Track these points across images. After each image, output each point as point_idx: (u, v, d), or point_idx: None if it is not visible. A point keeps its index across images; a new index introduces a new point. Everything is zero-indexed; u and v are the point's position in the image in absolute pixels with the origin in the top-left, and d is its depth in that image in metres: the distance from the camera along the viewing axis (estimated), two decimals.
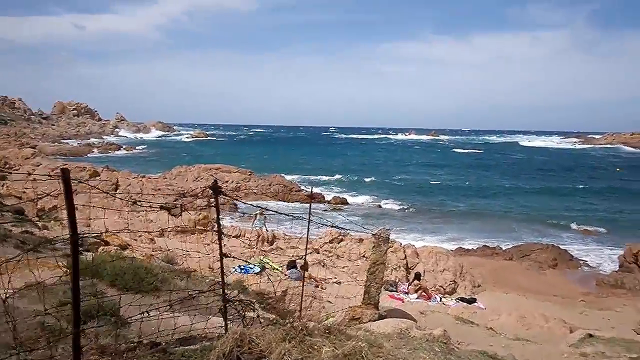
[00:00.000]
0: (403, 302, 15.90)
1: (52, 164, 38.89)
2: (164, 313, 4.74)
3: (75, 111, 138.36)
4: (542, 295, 18.97)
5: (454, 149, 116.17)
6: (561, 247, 25.81)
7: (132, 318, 5.63)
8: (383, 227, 6.49)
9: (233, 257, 5.16)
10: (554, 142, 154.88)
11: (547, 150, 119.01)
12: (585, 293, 19.59)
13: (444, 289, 18.20)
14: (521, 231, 31.42)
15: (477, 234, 30.34)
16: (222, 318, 4.72)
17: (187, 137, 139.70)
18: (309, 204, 7.10)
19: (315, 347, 3.94)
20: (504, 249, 26.04)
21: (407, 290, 16.81)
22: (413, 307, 15.09)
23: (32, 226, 17.60)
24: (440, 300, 16.48)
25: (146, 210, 3.88)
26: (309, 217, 6.72)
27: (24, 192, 23.62)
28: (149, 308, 5.30)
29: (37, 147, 64.53)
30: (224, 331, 4.18)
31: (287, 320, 4.59)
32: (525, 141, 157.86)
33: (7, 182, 29.16)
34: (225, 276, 8.21)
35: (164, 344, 4.19)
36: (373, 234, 6.26)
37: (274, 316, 8.07)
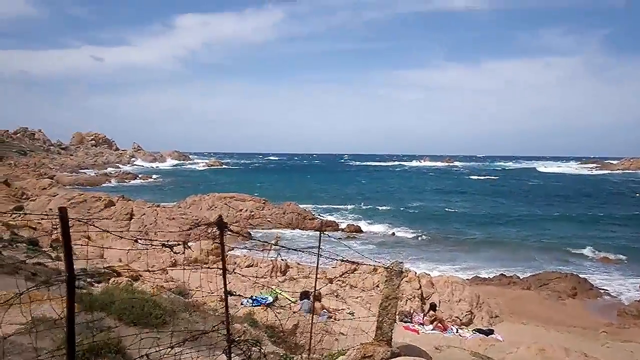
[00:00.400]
0: (418, 333, 15.53)
1: (69, 194, 39.20)
2: (168, 350, 4.60)
3: (93, 141, 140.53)
4: (562, 326, 18.44)
5: (469, 176, 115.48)
6: (580, 275, 25.20)
7: (136, 357, 5.51)
8: (396, 260, 6.28)
9: (238, 294, 5.01)
10: (571, 167, 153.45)
11: (565, 176, 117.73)
12: (607, 324, 18.98)
13: (461, 320, 17.80)
14: (539, 259, 30.80)
15: (493, 262, 29.81)
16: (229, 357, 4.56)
17: (202, 166, 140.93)
18: (320, 234, 6.92)
19: None
20: (521, 277, 25.47)
21: (422, 322, 16.45)
22: (428, 339, 14.73)
23: (45, 257, 17.66)
24: (457, 332, 16.08)
25: (155, 247, 3.77)
26: (318, 250, 6.54)
27: (40, 223, 23.72)
28: (153, 345, 5.16)
29: (55, 177, 65.28)
30: None
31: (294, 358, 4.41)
32: (542, 167, 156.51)
33: (24, 212, 29.38)
34: (235, 310, 8.00)
35: None
36: (385, 268, 6.07)
37: (283, 352, 7.86)
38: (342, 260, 6.44)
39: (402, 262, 6.28)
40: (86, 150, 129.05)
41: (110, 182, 76.33)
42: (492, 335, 15.66)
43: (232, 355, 4.25)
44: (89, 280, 13.96)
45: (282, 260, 20.97)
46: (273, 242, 20.69)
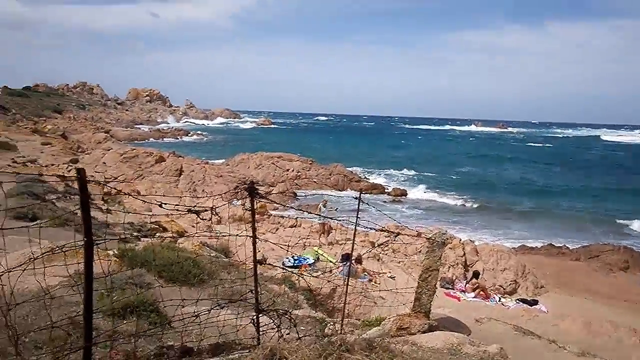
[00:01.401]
0: (459, 300, 15.33)
1: (122, 148, 40.28)
2: (203, 310, 4.59)
3: (147, 97, 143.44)
4: (611, 299, 17.78)
5: (522, 142, 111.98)
6: (635, 249, 24.18)
7: (171, 315, 5.56)
8: (439, 230, 6.05)
9: (269, 264, 4.91)
10: (636, 137, 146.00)
11: (629, 146, 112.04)
12: None
13: (504, 289, 17.43)
14: (591, 231, 29.70)
15: (542, 231, 28.95)
16: (267, 317, 4.50)
17: (252, 125, 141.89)
18: (359, 198, 6.73)
19: None
20: (571, 248, 24.66)
21: (464, 289, 16.20)
22: (470, 307, 14.51)
23: (96, 210, 18.20)
24: (499, 301, 15.77)
25: (180, 212, 3.67)
26: (357, 214, 6.37)
27: (92, 177, 24.47)
28: (188, 304, 5.17)
29: (110, 132, 67.18)
30: (256, 342, 3.95)
31: (327, 325, 4.30)
32: (605, 135, 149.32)
33: (78, 166, 30.37)
34: (275, 271, 7.96)
35: (195, 349, 4.01)
36: (427, 238, 5.85)
37: (320, 315, 7.83)
38: (381, 230, 6.23)
39: (445, 233, 6.04)
40: (141, 106, 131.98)
41: (162, 138, 77.93)
42: (536, 306, 15.28)
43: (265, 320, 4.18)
44: (135, 234, 14.34)
45: (328, 223, 20.60)
46: (321, 204, 20.55)
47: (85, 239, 2.87)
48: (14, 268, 2.76)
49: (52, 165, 30.57)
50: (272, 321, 4.08)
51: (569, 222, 31.71)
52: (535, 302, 15.41)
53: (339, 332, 5.14)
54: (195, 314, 3.87)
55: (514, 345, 6.08)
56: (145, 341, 4.36)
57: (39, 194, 17.54)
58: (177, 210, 3.66)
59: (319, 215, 17.75)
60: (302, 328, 6.39)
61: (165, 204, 3.52)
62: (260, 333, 4.13)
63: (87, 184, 2.79)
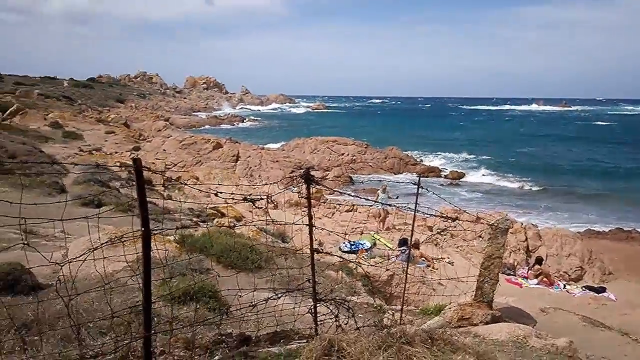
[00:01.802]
0: (521, 287, 14.85)
1: (181, 135, 41.31)
2: (261, 296, 4.58)
3: (204, 85, 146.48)
4: None
5: (587, 121, 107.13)
6: None
7: (230, 302, 5.60)
8: (502, 216, 5.79)
9: (327, 252, 4.84)
10: None
11: None
12: None
13: (569, 276, 16.74)
14: None
15: (609, 215, 27.60)
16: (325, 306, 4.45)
17: (307, 109, 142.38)
18: (418, 183, 6.52)
19: (415, 359, 3.50)
20: None
21: (526, 275, 15.68)
22: (532, 294, 14.01)
23: (157, 196, 18.72)
24: (564, 288, 15.16)
25: (236, 200, 3.63)
26: (416, 200, 6.16)
27: (153, 164, 25.19)
28: (245, 291, 5.18)
29: (169, 120, 69.05)
30: (314, 332, 3.89)
31: (385, 314, 4.19)
32: None
33: (139, 153, 31.35)
34: (330, 255, 7.89)
35: (253, 337, 4.00)
36: (490, 225, 5.61)
37: (378, 302, 7.73)
38: (440, 216, 6.01)
39: (508, 219, 5.78)
40: (198, 94, 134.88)
41: (219, 124, 79.38)
42: (604, 294, 14.57)
43: (318, 316, 4.12)
44: (195, 220, 14.65)
45: (386, 209, 20.09)
46: (380, 189, 20.15)
47: (143, 229, 2.86)
48: (74, 259, 2.79)
49: (116, 153, 31.68)
50: (330, 310, 4.00)
51: (639, 205, 30.09)
52: (602, 290, 14.70)
53: (398, 321, 5.01)
54: (253, 303, 3.84)
55: (584, 337, 5.78)
56: (204, 328, 4.39)
57: (104, 181, 18.23)
58: (233, 198, 3.62)
59: (378, 202, 17.51)
60: (360, 316, 6.31)
61: (221, 192, 3.49)
62: (318, 322, 4.07)
63: (142, 173, 2.77)
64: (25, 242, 2.56)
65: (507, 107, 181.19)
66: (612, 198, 31.94)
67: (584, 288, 14.94)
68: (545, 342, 4.53)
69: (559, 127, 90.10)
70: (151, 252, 2.95)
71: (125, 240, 2.96)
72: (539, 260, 15.60)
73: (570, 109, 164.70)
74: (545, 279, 15.01)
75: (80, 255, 2.78)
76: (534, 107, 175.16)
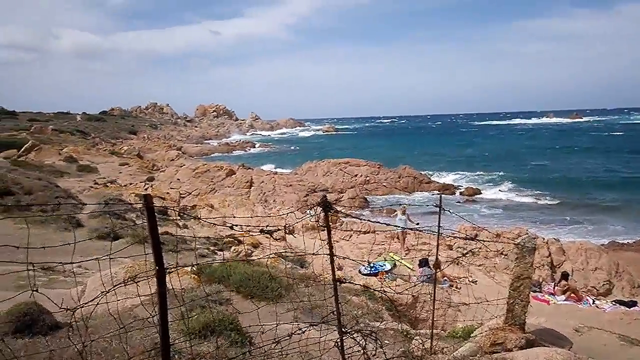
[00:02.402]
0: (549, 304, 14.45)
1: (194, 164, 41.44)
2: (283, 328, 4.39)
3: (214, 113, 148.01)
4: None
5: (600, 132, 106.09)
6: None
7: (251, 332, 5.41)
8: (528, 234, 5.58)
9: (350, 282, 4.65)
10: None
11: None
12: None
13: (597, 290, 16.30)
14: None
15: (632, 225, 27.06)
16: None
17: (317, 132, 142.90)
18: (440, 201, 6.33)
19: None
20: None
21: (553, 292, 15.27)
22: (560, 311, 13.61)
23: (173, 225, 18.64)
24: (594, 303, 14.73)
25: (251, 233, 3.48)
26: (439, 217, 5.96)
27: (168, 193, 25.20)
28: (266, 322, 4.99)
29: (182, 149, 69.57)
30: None
31: (412, 340, 3.98)
32: None
33: (154, 183, 31.43)
34: (351, 281, 7.68)
35: None
36: (516, 244, 5.39)
37: (404, 327, 7.48)
38: (463, 238, 5.81)
39: (534, 237, 5.56)
40: (209, 122, 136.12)
41: (231, 151, 79.79)
42: (635, 308, 14.11)
43: (345, 348, 3.92)
44: (212, 248, 14.51)
45: (410, 230, 19.29)
46: (399, 211, 19.61)
47: (157, 268, 2.70)
48: (85, 304, 2.65)
49: (130, 184, 31.81)
50: (357, 342, 3.80)
51: None
52: (634, 304, 14.26)
53: (427, 349, 4.78)
54: (277, 339, 3.66)
55: (624, 358, 5.50)
56: None
57: (120, 213, 18.19)
58: (249, 231, 3.47)
59: (397, 225, 17.18)
60: (387, 342, 6.08)
61: (236, 225, 3.34)
62: (346, 355, 3.87)
63: (154, 210, 2.63)
64: (35, 289, 2.41)
65: (517, 120, 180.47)
66: (633, 209, 31.32)
67: (614, 302, 14.50)
68: None
69: (572, 139, 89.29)
70: (166, 291, 2.78)
71: (139, 281, 2.80)
72: (565, 276, 15.19)
73: (581, 120, 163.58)
74: (573, 295, 14.60)
75: (93, 299, 2.63)
76: (544, 119, 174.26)
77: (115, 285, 2.73)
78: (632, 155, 60.05)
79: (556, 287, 15.10)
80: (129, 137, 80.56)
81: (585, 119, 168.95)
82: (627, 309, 13.81)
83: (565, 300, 14.59)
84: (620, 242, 23.40)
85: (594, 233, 25.92)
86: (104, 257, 2.79)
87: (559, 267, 16.87)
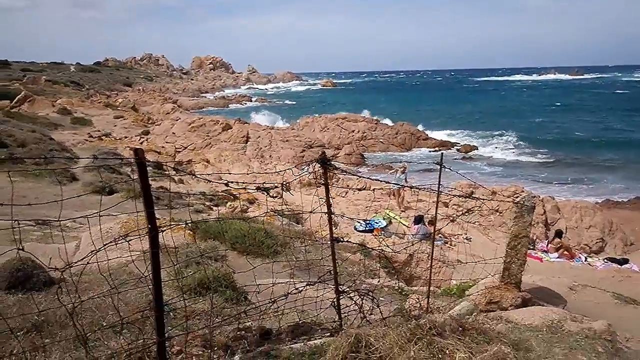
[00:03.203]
0: (542, 261, 14.59)
1: (190, 117, 41.05)
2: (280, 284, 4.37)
3: (211, 65, 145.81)
4: None
5: (601, 89, 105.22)
6: None
7: (247, 290, 5.40)
8: (528, 193, 5.52)
9: (347, 241, 4.59)
10: None
11: None
12: None
13: (590, 248, 16.47)
14: None
15: (629, 184, 27.17)
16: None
17: (315, 86, 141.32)
18: (438, 152, 6.24)
19: (447, 351, 3.28)
20: None
21: (546, 249, 15.40)
22: (553, 268, 13.75)
23: (168, 180, 18.55)
24: (586, 260, 14.88)
25: (247, 190, 3.39)
26: (440, 172, 5.86)
27: (163, 147, 25.02)
28: (261, 277, 4.98)
29: (177, 102, 68.80)
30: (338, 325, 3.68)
31: (412, 314, 3.97)
32: None
33: (149, 137, 31.19)
34: (348, 240, 7.67)
35: (274, 331, 3.79)
36: (514, 202, 5.33)
37: (400, 285, 7.51)
38: (460, 196, 5.76)
39: (534, 196, 5.51)
40: (205, 75, 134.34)
41: (227, 105, 79.04)
42: (627, 266, 14.27)
43: (342, 308, 3.90)
44: (207, 204, 14.49)
45: (404, 189, 19.21)
46: (399, 170, 19.52)
47: (149, 227, 2.62)
48: (75, 263, 2.58)
49: (125, 137, 31.55)
50: (353, 302, 3.78)
51: None
52: (625, 261, 14.40)
53: (423, 307, 4.78)
54: (273, 298, 3.62)
55: (618, 316, 5.54)
56: (223, 322, 4.18)
57: (115, 167, 18.08)
58: (245, 188, 3.38)
59: (396, 183, 17.09)
60: (382, 299, 6.10)
61: (232, 182, 3.24)
62: (342, 315, 3.85)
63: (146, 166, 2.52)
64: (20, 248, 2.33)
65: (518, 77, 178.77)
66: (630, 168, 31.35)
67: (606, 260, 14.64)
68: (581, 326, 4.28)
69: (572, 96, 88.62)
70: (159, 251, 2.71)
71: (130, 239, 2.73)
72: (559, 234, 15.29)
73: (582, 77, 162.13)
74: (565, 253, 14.73)
75: (83, 258, 2.56)
76: (545, 76, 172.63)
77: (106, 244, 2.65)
78: (633, 114, 59.73)
79: (550, 245, 15.22)
80: (123, 89, 79.49)
81: (586, 76, 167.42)
82: (619, 266, 13.97)
83: (558, 257, 14.72)
84: (615, 200, 23.51)
85: (590, 191, 26.05)
86: (92, 215, 2.71)
87: (553, 225, 16.97)
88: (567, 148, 38.56)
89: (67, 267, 2.40)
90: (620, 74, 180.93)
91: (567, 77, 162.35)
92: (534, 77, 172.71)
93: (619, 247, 16.49)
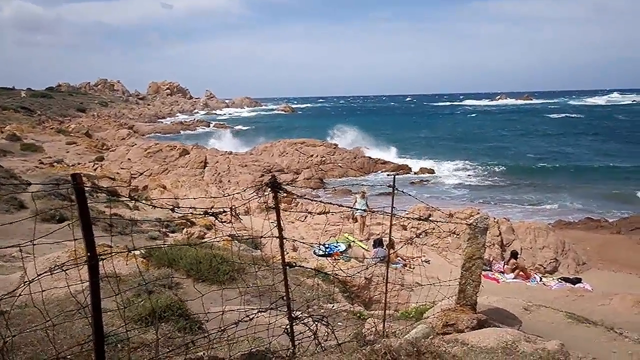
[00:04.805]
0: (498, 282, 14.83)
1: (145, 144, 40.35)
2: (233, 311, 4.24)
3: (168, 90, 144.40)
4: None
5: (548, 114, 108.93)
6: None
7: (201, 318, 5.23)
8: (475, 212, 5.57)
9: (300, 265, 4.52)
10: None
11: None
12: None
13: (544, 268, 16.83)
14: (630, 202, 28.66)
15: (579, 205, 28.09)
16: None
17: (274, 112, 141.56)
18: (398, 176, 6.25)
19: None
20: (610, 221, 23.80)
21: (502, 270, 15.68)
22: (510, 289, 13.98)
23: (124, 207, 18.09)
24: (541, 280, 15.22)
25: (194, 214, 3.28)
26: (392, 195, 5.86)
27: (118, 173, 24.43)
28: (217, 305, 4.83)
29: (134, 127, 67.66)
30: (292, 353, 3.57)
31: (367, 339, 3.90)
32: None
33: (103, 163, 30.47)
34: (305, 262, 7.55)
35: None
36: (468, 224, 5.38)
37: (358, 309, 7.45)
38: (417, 219, 5.76)
39: (487, 218, 5.56)
40: (162, 100, 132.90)
41: (185, 130, 78.21)
42: (580, 285, 14.67)
43: (295, 335, 3.80)
44: (163, 230, 14.15)
45: (366, 216, 18.92)
46: (358, 195, 19.43)
47: (89, 255, 2.48)
48: (5, 296, 2.42)
49: (78, 164, 30.69)
50: (308, 328, 3.69)
51: (607, 194, 30.63)
52: (578, 280, 14.79)
53: (380, 332, 4.73)
54: (222, 328, 3.50)
55: (570, 335, 5.60)
56: (171, 352, 4.02)
57: (66, 194, 17.50)
58: (192, 213, 3.28)
59: (357, 208, 17.04)
60: (340, 324, 6.01)
61: (178, 207, 3.14)
62: (297, 340, 3.75)
63: (84, 191, 2.40)
64: None
65: (471, 102, 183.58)
66: (580, 189, 32.38)
67: (560, 280, 15.01)
68: (535, 346, 4.30)
69: (525, 121, 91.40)
70: (99, 280, 2.57)
71: (67, 269, 2.58)
72: (514, 254, 15.60)
73: (532, 101, 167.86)
74: (521, 273, 15.02)
75: (16, 289, 2.40)
76: (497, 101, 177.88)
77: (40, 274, 2.49)
78: (585, 137, 62.10)
79: (506, 266, 15.49)
80: (77, 115, 77.62)
81: (535, 100, 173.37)
82: (572, 286, 14.34)
83: (514, 278, 14.99)
84: (567, 221, 24.18)
85: (543, 213, 26.75)
86: (25, 244, 2.55)
87: (508, 246, 17.28)
88: (520, 171, 39.64)
89: (3, 298, 2.24)
90: (566, 98, 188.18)
91: (519, 101, 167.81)
92: (487, 102, 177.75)
93: (572, 266, 16.90)
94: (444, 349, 3.93)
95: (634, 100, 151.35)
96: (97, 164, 31.31)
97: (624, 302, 11.68)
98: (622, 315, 10.21)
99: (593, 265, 17.62)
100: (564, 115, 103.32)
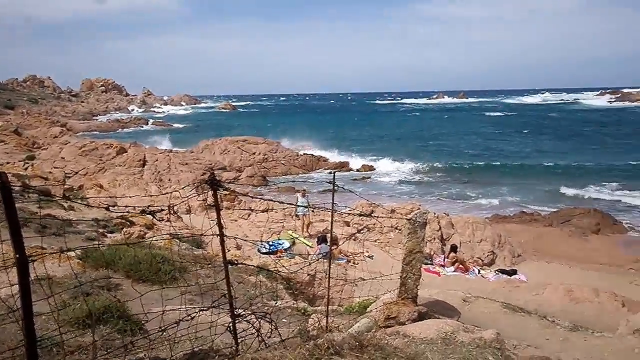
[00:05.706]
0: (439, 275, 15.20)
1: (80, 142, 38.89)
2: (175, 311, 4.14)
3: (102, 87, 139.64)
4: (587, 263, 17.92)
5: (485, 112, 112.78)
6: (604, 211, 24.50)
7: (141, 319, 5.08)
8: (419, 210, 5.69)
9: (242, 263, 4.47)
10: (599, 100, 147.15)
11: (597, 110, 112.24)
12: (635, 260, 18.37)
13: (482, 261, 17.40)
14: (561, 195, 30.09)
15: (514, 199, 29.24)
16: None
17: (214, 110, 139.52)
18: (340, 173, 6.29)
19: None
20: (542, 214, 24.89)
21: (443, 264, 16.08)
22: (450, 281, 14.37)
23: (58, 207, 17.34)
24: (479, 273, 15.71)
25: (133, 214, 3.18)
26: (333, 195, 5.90)
27: (50, 173, 23.40)
28: (158, 305, 4.70)
29: (67, 125, 65.03)
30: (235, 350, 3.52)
31: (311, 334, 3.90)
32: (584, 100, 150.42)
33: (35, 162, 29.14)
34: (249, 260, 7.47)
35: None
36: (408, 219, 5.47)
37: (302, 305, 7.45)
38: (359, 215, 5.80)
39: (425, 212, 5.68)
40: (97, 97, 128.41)
41: (122, 128, 75.91)
42: (516, 276, 15.26)
43: (238, 332, 3.75)
44: (101, 231, 13.65)
45: (311, 211, 18.83)
46: (299, 195, 19.33)
47: (17, 257, 2.34)
48: None
49: (7, 163, 29.17)
50: (251, 325, 3.65)
51: (538, 188, 32.02)
52: (514, 272, 15.38)
53: (323, 327, 4.74)
54: (162, 328, 3.41)
55: (506, 324, 5.83)
56: (111, 354, 3.89)
57: None
58: (128, 212, 3.17)
59: (299, 205, 17.01)
60: (284, 320, 6.00)
61: (114, 205, 3.03)
62: (240, 338, 3.70)
63: (11, 190, 2.25)
64: None
65: (410, 100, 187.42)
66: (515, 184, 33.64)
67: (497, 272, 15.55)
68: (473, 336, 4.43)
69: (461, 119, 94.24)
70: (29, 282, 2.44)
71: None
72: (454, 248, 16.04)
73: (469, 100, 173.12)
74: (461, 266, 15.45)
75: None
76: (435, 100, 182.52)
77: None
78: (520, 134, 64.72)
79: (446, 259, 15.91)
80: (4, 112, 73.77)
81: (470, 99, 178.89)
82: (509, 277, 14.90)
83: (454, 271, 15.41)
84: (503, 215, 25.09)
85: (481, 207, 27.67)
86: None
87: (448, 240, 17.76)
88: (459, 168, 40.81)
89: None
90: (501, 97, 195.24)
91: (456, 100, 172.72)
92: (425, 100, 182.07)
93: (508, 258, 17.55)
94: (386, 341, 3.99)
95: (562, 100, 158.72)
96: (28, 163, 29.85)
97: (556, 292, 12.25)
98: (554, 304, 10.69)
99: (528, 257, 18.37)
100: (500, 113, 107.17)
